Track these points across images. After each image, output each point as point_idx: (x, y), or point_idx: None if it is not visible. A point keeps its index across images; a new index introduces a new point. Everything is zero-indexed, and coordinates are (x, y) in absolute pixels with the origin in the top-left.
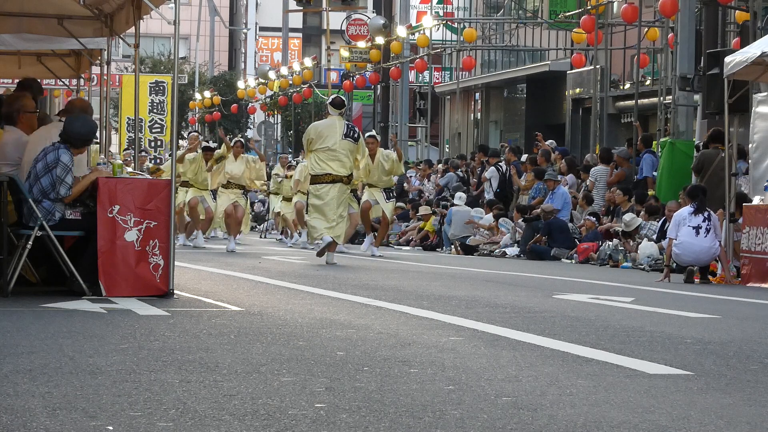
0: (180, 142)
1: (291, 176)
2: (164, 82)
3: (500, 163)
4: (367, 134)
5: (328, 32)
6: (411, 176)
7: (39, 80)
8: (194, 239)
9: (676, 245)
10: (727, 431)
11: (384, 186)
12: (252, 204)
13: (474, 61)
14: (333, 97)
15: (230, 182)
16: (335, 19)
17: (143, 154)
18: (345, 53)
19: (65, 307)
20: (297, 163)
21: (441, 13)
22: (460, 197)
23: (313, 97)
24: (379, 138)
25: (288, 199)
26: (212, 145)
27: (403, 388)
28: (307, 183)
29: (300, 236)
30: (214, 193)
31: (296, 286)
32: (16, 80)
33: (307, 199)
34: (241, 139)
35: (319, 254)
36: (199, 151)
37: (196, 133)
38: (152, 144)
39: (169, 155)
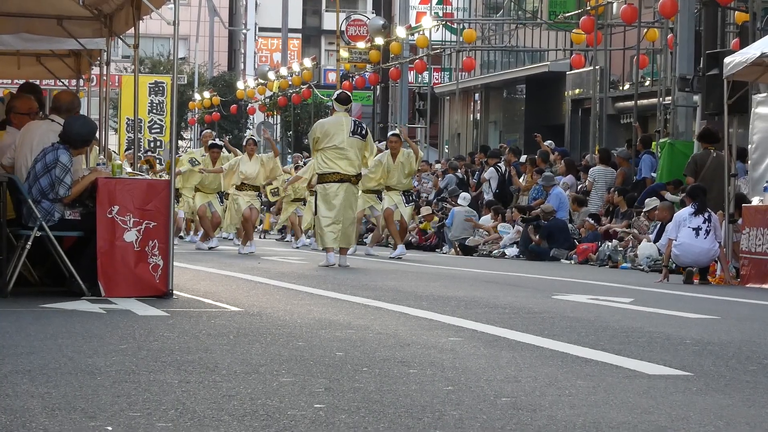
0: (180, 142)
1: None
2: (163, 83)
3: (499, 164)
4: (390, 133)
5: (339, 31)
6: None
7: (38, 81)
8: (206, 242)
9: (675, 246)
10: None
11: (403, 188)
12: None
13: (473, 61)
14: (338, 92)
15: (245, 183)
16: (335, 20)
17: (149, 154)
18: (344, 54)
19: (64, 308)
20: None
21: (440, 14)
22: (464, 197)
23: (312, 97)
24: (403, 129)
25: (295, 200)
26: (219, 142)
27: (402, 388)
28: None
29: (307, 238)
30: (221, 196)
31: (295, 287)
32: (16, 81)
33: (315, 199)
34: (254, 138)
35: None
36: (206, 153)
37: (209, 131)
38: (151, 144)
39: (160, 153)
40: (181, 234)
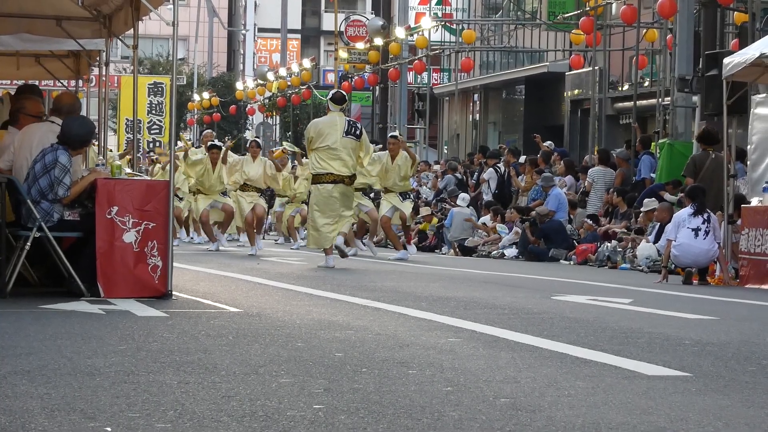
0: (178, 143)
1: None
2: (162, 84)
3: (498, 165)
4: (389, 134)
5: (337, 32)
6: None
7: (37, 82)
8: (215, 242)
9: (674, 247)
10: None
11: (400, 190)
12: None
13: (472, 62)
14: (333, 92)
15: (247, 184)
16: (335, 21)
17: (152, 155)
18: (344, 54)
19: (64, 309)
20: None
21: (439, 14)
22: (463, 198)
23: (311, 98)
24: (402, 138)
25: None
26: (218, 143)
27: (401, 389)
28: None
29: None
30: (223, 194)
31: (294, 288)
32: (15, 81)
33: (309, 198)
34: (257, 139)
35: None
36: (206, 153)
37: (210, 131)
38: (150, 145)
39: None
40: (180, 237)
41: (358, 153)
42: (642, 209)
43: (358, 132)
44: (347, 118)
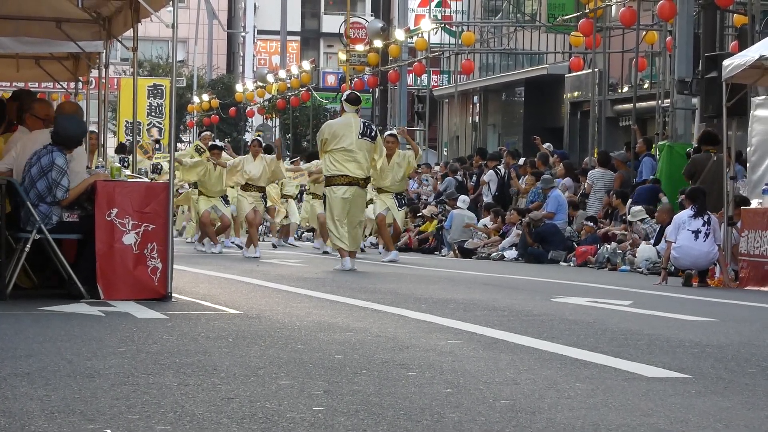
0: (178, 145)
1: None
2: (162, 86)
3: (499, 167)
4: (387, 133)
5: (347, 34)
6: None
7: (37, 84)
8: (212, 246)
9: (674, 249)
10: None
11: (396, 190)
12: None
13: (472, 64)
14: (348, 93)
15: (249, 184)
16: (334, 22)
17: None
18: (343, 56)
19: (63, 311)
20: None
21: (439, 17)
22: (464, 200)
23: (311, 100)
24: (399, 138)
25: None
26: (219, 143)
27: (401, 391)
28: (322, 185)
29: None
30: (225, 198)
31: (294, 289)
32: (15, 83)
33: (324, 201)
34: (259, 138)
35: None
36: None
37: (209, 133)
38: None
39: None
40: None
41: (372, 155)
42: (629, 218)
43: (373, 134)
44: (362, 120)
